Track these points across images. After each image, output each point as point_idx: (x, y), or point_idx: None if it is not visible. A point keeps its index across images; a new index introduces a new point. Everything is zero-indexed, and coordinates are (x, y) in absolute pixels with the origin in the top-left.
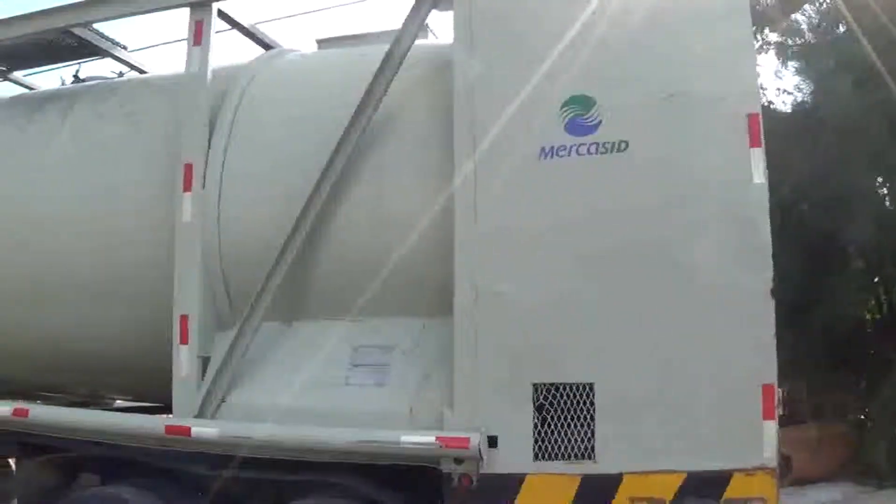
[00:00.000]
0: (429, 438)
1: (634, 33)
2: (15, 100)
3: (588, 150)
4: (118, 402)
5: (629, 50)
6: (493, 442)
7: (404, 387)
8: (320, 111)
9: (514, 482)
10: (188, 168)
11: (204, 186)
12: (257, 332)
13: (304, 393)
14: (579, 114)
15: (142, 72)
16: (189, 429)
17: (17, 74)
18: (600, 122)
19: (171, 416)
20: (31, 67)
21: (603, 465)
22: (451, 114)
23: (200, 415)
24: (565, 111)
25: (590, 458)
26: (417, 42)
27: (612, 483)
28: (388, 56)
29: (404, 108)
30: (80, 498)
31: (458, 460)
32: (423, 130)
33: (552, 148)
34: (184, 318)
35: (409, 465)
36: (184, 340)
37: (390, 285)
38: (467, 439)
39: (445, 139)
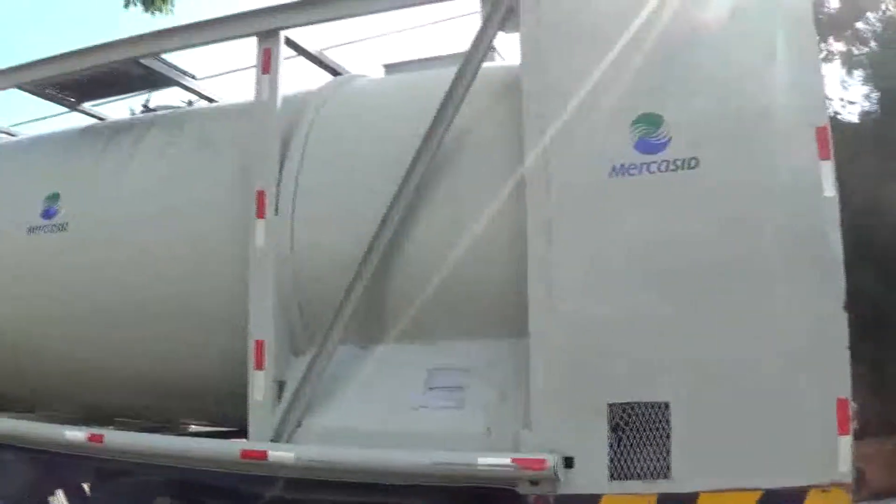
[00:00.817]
0: (504, 460)
1: (699, 49)
2: (87, 130)
3: (658, 167)
4: (192, 426)
5: (695, 67)
6: (569, 463)
7: (480, 408)
8: (391, 136)
9: (590, 502)
10: (261, 195)
11: (277, 212)
12: (333, 356)
13: (380, 416)
14: (648, 132)
15: (211, 100)
16: (265, 453)
17: (87, 105)
18: (669, 139)
19: (246, 440)
20: (100, 98)
21: (678, 483)
22: (520, 134)
23: (276, 439)
24: (634, 130)
25: (665, 477)
26: (485, 64)
27: (687, 502)
28: (457, 79)
29: (474, 131)
30: None
31: (534, 482)
32: (494, 152)
33: (622, 166)
34: (259, 344)
35: (485, 488)
36: (259, 366)
37: (465, 306)
38: (543, 460)
39: (516, 159)
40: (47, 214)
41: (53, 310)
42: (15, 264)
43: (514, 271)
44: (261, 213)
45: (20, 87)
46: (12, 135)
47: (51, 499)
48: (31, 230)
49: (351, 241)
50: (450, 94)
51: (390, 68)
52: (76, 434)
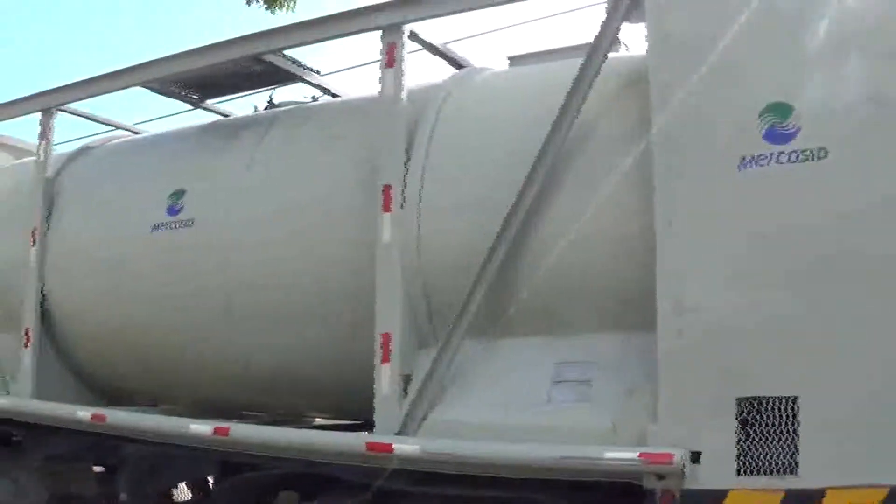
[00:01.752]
0: (632, 454)
1: (828, 37)
2: (211, 127)
3: (788, 158)
4: (317, 420)
5: (824, 55)
6: (696, 457)
7: (607, 403)
8: (516, 128)
9: (716, 497)
10: (387, 189)
11: (403, 206)
12: (458, 350)
13: (506, 409)
14: (777, 122)
15: (335, 95)
16: (391, 446)
17: (210, 102)
18: (798, 129)
19: (371, 433)
20: (223, 95)
21: (806, 479)
22: (647, 126)
23: (402, 432)
24: (763, 119)
25: (793, 472)
26: (610, 55)
27: (815, 498)
28: (583, 70)
29: (600, 123)
30: None
31: (661, 476)
32: (621, 144)
33: (751, 157)
34: (385, 337)
35: (610, 483)
36: (385, 359)
37: (592, 300)
38: (670, 455)
39: (644, 152)
40: (172, 211)
41: (178, 306)
42: (139, 261)
43: (642, 265)
44: (387, 207)
45: (144, 86)
46: (136, 133)
47: (174, 492)
48: (156, 227)
49: (477, 234)
50: (575, 86)
51: (514, 60)
52: (201, 427)
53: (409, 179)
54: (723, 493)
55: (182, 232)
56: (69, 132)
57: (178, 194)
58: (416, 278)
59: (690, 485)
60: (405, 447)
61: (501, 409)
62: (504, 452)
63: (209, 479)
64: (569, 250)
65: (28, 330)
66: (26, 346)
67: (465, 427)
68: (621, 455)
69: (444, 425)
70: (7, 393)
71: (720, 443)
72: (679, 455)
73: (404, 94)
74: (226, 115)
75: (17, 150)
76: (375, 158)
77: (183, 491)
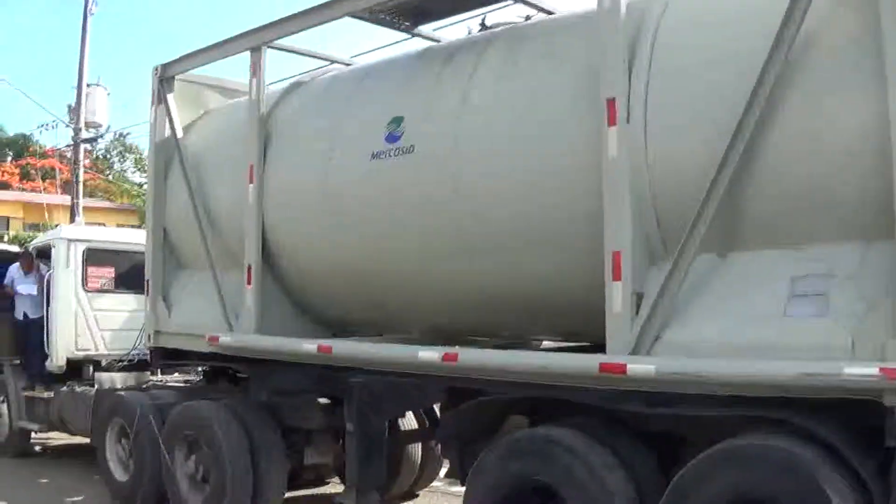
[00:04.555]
0: (872, 370)
1: None
2: (425, 53)
3: None
4: (544, 343)
5: None
6: None
7: (845, 317)
8: (739, 38)
9: None
10: (611, 103)
11: (629, 121)
12: (691, 266)
13: (741, 326)
14: None
15: (549, 13)
16: (625, 366)
17: (423, 29)
18: None
19: (603, 354)
20: (435, 20)
21: None
22: (876, 35)
23: (635, 352)
24: None
25: None
26: None
27: None
28: None
29: (825, 32)
30: (512, 441)
31: None
32: (848, 55)
33: None
34: (616, 255)
35: (847, 400)
36: (617, 277)
37: (829, 211)
38: None
39: (875, 61)
40: (392, 138)
41: (402, 233)
42: (360, 191)
43: (878, 173)
44: (612, 121)
45: (353, 16)
46: (348, 65)
47: (401, 421)
48: (375, 155)
49: (705, 148)
50: None
51: None
52: (430, 354)
53: (633, 92)
54: None
55: (403, 159)
56: (279, 71)
57: (397, 121)
58: (645, 193)
59: None
60: (639, 367)
61: (737, 325)
62: (741, 370)
63: (435, 408)
64: (801, 161)
65: (249, 267)
66: (248, 283)
67: (699, 345)
68: (861, 371)
69: (679, 344)
70: (231, 330)
71: None
72: None
73: (623, 6)
74: (438, 41)
75: (228, 92)
76: (598, 73)
77: (409, 420)
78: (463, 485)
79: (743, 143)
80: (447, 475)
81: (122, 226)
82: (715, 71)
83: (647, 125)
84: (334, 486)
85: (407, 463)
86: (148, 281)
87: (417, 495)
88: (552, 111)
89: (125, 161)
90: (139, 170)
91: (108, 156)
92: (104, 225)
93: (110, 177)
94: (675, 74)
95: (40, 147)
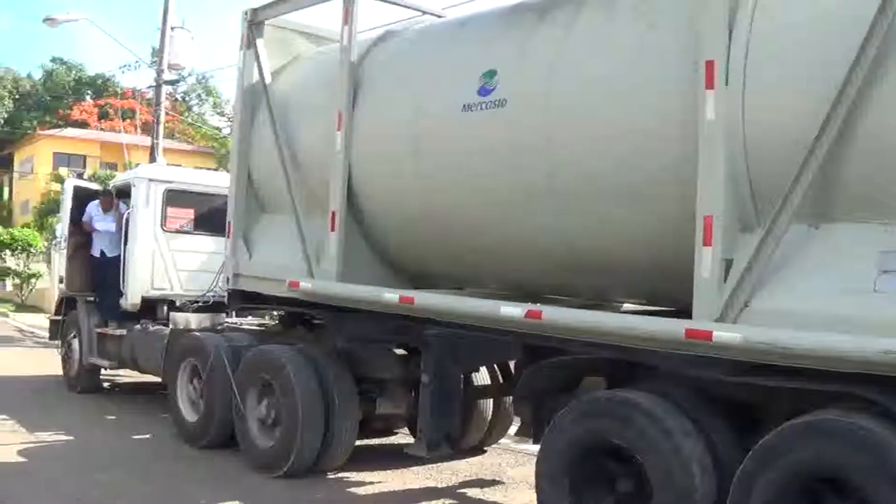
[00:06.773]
0: None
1: None
2: (519, 6)
3: None
4: (626, 305)
5: None
6: None
7: None
8: (838, 5)
9: None
10: (709, 65)
11: (727, 84)
12: (783, 235)
13: (830, 299)
14: None
15: None
16: (711, 333)
17: None
18: None
19: (689, 320)
20: None
21: None
22: None
23: (722, 319)
24: None
25: None
26: None
27: None
28: None
29: None
30: (591, 401)
31: None
32: None
33: None
34: (707, 219)
35: None
36: (707, 242)
37: None
38: None
39: None
40: (484, 91)
41: (491, 186)
42: (450, 142)
43: None
44: (710, 84)
45: None
46: (441, 17)
47: (474, 376)
48: (467, 108)
49: (805, 114)
50: None
51: None
52: (513, 310)
53: (732, 54)
54: None
55: (495, 112)
56: (369, 21)
57: (490, 74)
58: (741, 158)
59: None
60: (726, 335)
61: (826, 298)
62: (827, 344)
63: (511, 364)
64: None
65: (334, 213)
66: (332, 229)
67: (786, 316)
68: None
69: (766, 313)
70: (311, 276)
71: None
72: None
73: None
74: None
75: (318, 39)
76: (697, 34)
77: (482, 375)
78: (535, 443)
79: (844, 110)
80: (518, 433)
81: (200, 168)
82: (821, 31)
83: (745, 89)
84: (401, 438)
85: (478, 418)
86: (230, 223)
87: (485, 451)
88: (647, 70)
89: (204, 104)
90: (218, 113)
91: (187, 98)
92: (182, 166)
93: (189, 119)
94: (776, 36)
95: (121, 88)
